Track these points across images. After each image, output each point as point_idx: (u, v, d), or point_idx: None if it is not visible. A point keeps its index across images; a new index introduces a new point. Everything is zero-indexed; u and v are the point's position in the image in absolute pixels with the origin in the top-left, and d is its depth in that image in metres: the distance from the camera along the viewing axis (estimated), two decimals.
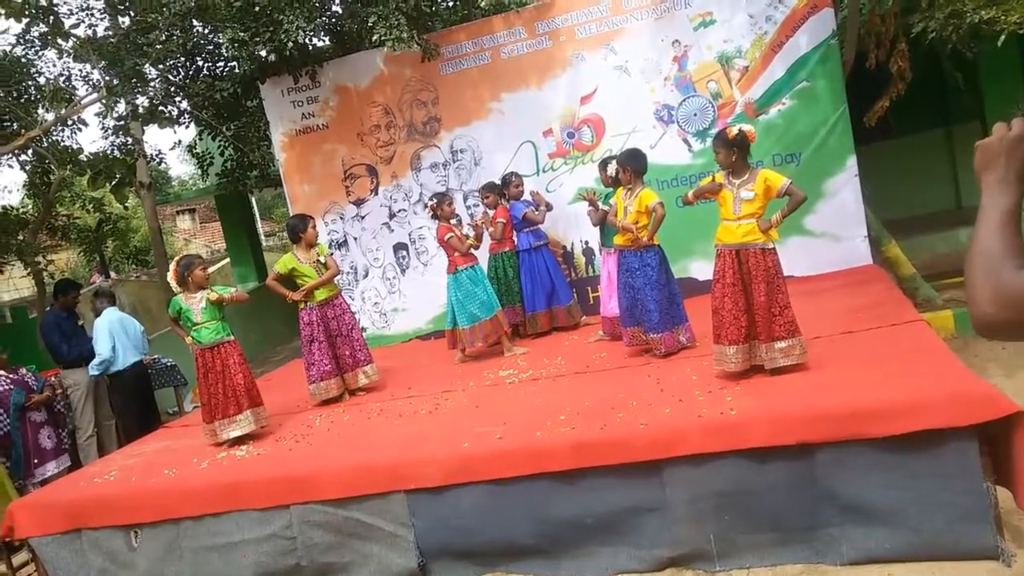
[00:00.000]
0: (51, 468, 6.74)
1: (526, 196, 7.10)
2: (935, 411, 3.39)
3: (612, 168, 5.85)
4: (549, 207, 7.10)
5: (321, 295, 6.06)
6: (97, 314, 7.29)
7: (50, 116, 9.75)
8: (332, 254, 7.03)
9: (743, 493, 3.68)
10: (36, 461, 6.65)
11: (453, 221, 6.69)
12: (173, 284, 5.39)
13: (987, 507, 3.34)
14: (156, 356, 8.95)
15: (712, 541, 3.73)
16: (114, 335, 7.14)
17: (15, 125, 9.50)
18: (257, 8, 7.10)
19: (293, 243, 6.19)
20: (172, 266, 5.40)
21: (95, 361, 7.06)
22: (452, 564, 4.19)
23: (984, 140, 1.35)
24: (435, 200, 6.58)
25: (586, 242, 7.70)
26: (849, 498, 3.54)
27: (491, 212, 6.99)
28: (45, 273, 11.44)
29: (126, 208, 14.61)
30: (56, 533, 4.82)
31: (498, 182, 7.17)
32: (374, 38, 6.98)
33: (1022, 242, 1.23)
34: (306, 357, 6.05)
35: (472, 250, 6.59)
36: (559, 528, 3.98)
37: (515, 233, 7.05)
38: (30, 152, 9.89)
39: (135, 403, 7.39)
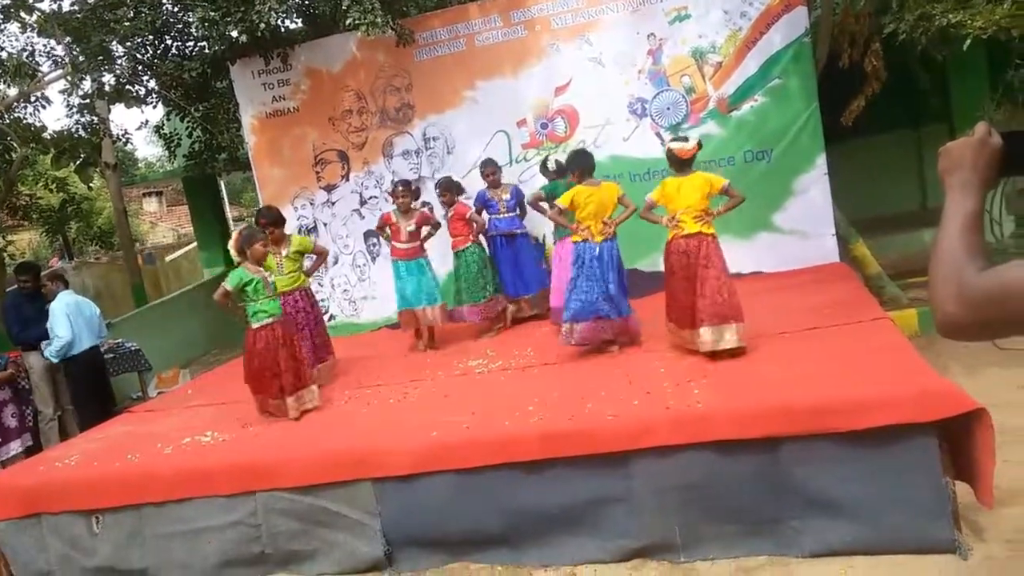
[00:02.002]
0: (15, 447, 6.64)
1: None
2: (898, 407, 3.45)
3: (552, 162, 6.57)
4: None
5: (281, 287, 5.72)
6: (51, 298, 7.09)
7: (12, 92, 9.53)
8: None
9: (708, 485, 3.72)
10: (0, 440, 6.53)
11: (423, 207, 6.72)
12: (233, 253, 5.22)
13: (946, 502, 3.41)
14: (120, 340, 8.81)
15: (677, 532, 3.77)
16: (71, 318, 6.97)
17: None
18: None
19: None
20: (234, 235, 5.27)
21: (55, 346, 6.84)
22: (418, 553, 4.19)
23: (948, 144, 1.38)
24: (445, 185, 6.85)
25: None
26: (812, 491, 3.60)
27: (448, 211, 6.89)
28: (5, 253, 11.19)
29: (90, 189, 14.35)
30: (15, 518, 4.73)
31: (455, 179, 7.15)
32: (348, 22, 6.90)
33: (984, 245, 1.26)
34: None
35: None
36: (526, 518, 3.99)
37: (487, 221, 7.02)
38: None
39: (90, 388, 7.20)
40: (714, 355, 4.67)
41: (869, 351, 4.25)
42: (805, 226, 7.13)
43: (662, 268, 7.20)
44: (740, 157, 7.22)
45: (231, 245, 5.23)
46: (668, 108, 7.41)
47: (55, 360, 6.91)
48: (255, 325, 5.15)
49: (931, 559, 3.36)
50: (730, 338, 4.66)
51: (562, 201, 5.40)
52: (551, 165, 6.66)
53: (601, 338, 5.41)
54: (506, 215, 6.96)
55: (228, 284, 5.11)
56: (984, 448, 3.33)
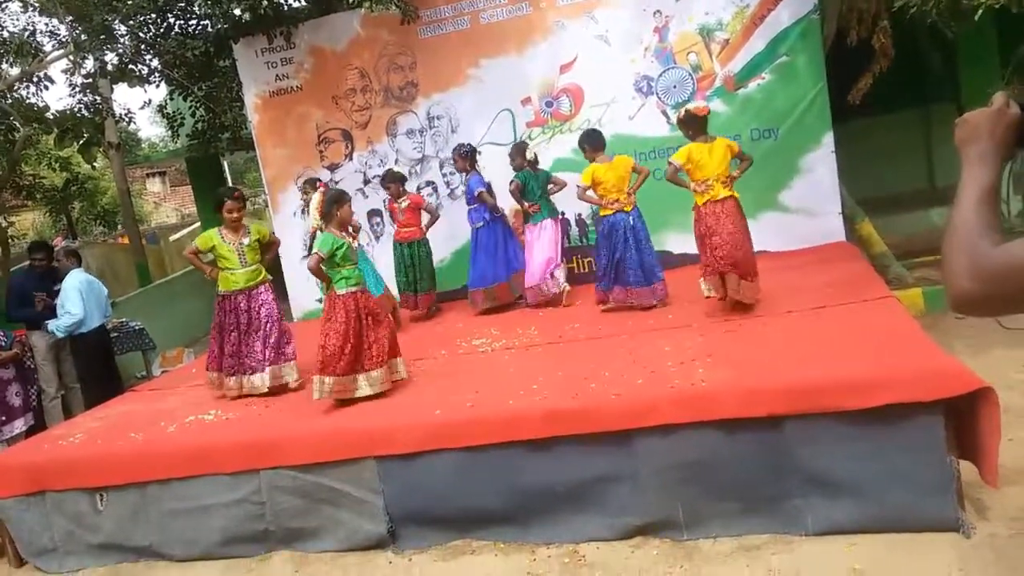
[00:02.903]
0: (19, 425, 6.66)
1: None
2: (902, 386, 3.43)
3: (531, 152, 6.72)
4: (563, 184, 6.80)
5: (242, 281, 5.41)
6: (64, 274, 7.12)
7: (14, 71, 9.48)
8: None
9: (712, 464, 3.71)
10: (4, 419, 6.56)
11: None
12: (315, 218, 4.98)
13: (950, 480, 3.39)
14: (123, 320, 8.83)
15: (680, 510, 3.76)
16: (83, 296, 7.00)
17: None
18: None
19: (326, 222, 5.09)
20: (317, 197, 5.08)
21: (64, 321, 6.85)
22: (422, 530, 4.19)
23: (966, 114, 1.35)
24: (389, 177, 6.95)
25: (579, 214, 7.64)
26: (815, 470, 3.58)
27: (401, 203, 6.95)
28: (12, 230, 11.19)
29: (94, 168, 14.31)
30: (19, 495, 4.75)
31: (397, 169, 7.17)
32: None
33: (998, 217, 1.24)
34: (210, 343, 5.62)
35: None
36: (529, 496, 3.98)
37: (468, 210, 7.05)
38: None
39: (97, 367, 7.24)
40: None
41: (874, 330, 4.22)
42: (811, 205, 7.08)
43: (668, 247, 7.23)
44: (747, 135, 7.16)
45: (314, 207, 5.03)
46: (674, 86, 7.34)
47: (61, 335, 6.93)
48: (341, 292, 4.79)
49: (934, 537, 3.34)
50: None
51: (584, 180, 5.73)
52: (529, 155, 6.69)
53: (648, 303, 5.82)
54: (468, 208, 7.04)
55: (322, 250, 4.74)
56: (989, 427, 3.31)
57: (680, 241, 7.28)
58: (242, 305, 5.41)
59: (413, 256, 7.02)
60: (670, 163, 5.23)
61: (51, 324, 6.92)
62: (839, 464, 3.55)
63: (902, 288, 6.39)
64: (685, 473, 3.74)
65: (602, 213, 5.92)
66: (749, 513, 3.69)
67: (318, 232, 5.35)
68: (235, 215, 5.36)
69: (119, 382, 7.51)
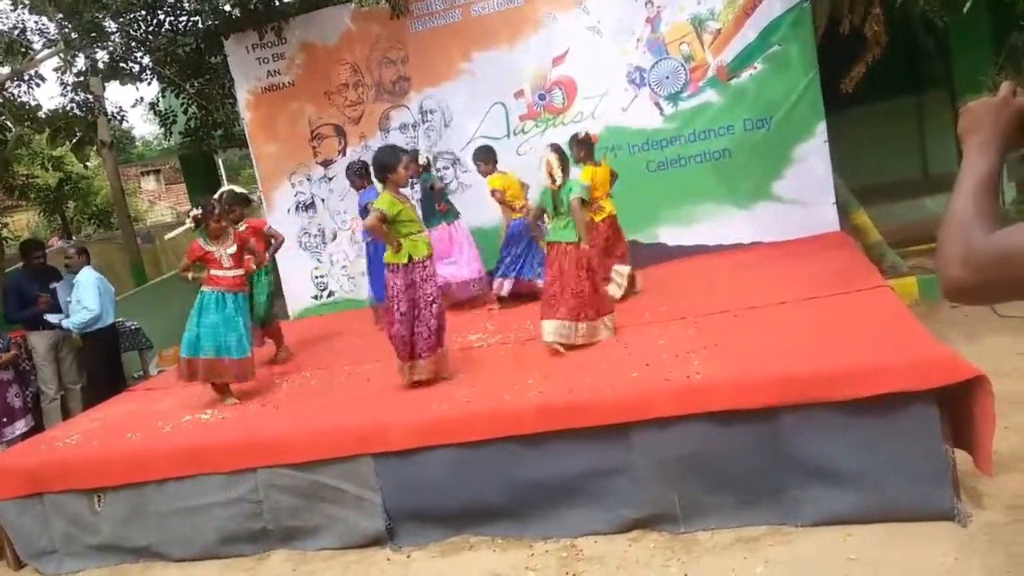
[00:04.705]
0: (20, 427, 6.66)
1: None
2: (897, 375, 3.43)
3: (424, 158, 6.95)
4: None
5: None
6: (75, 271, 7.11)
7: (5, 70, 9.43)
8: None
9: (708, 456, 3.71)
10: (4, 420, 6.56)
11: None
12: (379, 186, 4.80)
13: (946, 469, 3.40)
14: (121, 319, 8.79)
15: (677, 503, 3.77)
16: (100, 292, 7.00)
17: None
18: None
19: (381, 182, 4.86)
20: (554, 157, 4.94)
21: (82, 317, 6.84)
22: (420, 527, 4.19)
23: (970, 103, 1.34)
24: (360, 166, 6.88)
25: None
26: (811, 460, 3.59)
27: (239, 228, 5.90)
28: (5, 232, 11.16)
29: (87, 168, 14.25)
30: (17, 497, 4.75)
31: (238, 190, 6.34)
32: None
33: (996, 207, 1.22)
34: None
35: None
36: (527, 490, 3.99)
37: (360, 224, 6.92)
38: None
39: (107, 364, 7.26)
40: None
41: (869, 319, 4.22)
42: (805, 195, 7.07)
43: (662, 239, 7.24)
44: (739, 125, 7.16)
45: (374, 167, 4.79)
46: (667, 77, 7.32)
47: (74, 331, 6.91)
48: (416, 257, 4.66)
49: (931, 526, 3.35)
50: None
51: (584, 178, 5.64)
52: (422, 160, 6.91)
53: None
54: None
55: (385, 208, 4.52)
56: (984, 415, 3.31)
57: (673, 234, 7.30)
58: None
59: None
60: (583, 186, 5.30)
61: (66, 321, 6.91)
62: (835, 455, 3.55)
63: (896, 277, 6.40)
64: (682, 466, 3.75)
65: (514, 216, 6.44)
66: (746, 505, 3.70)
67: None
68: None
69: (123, 380, 7.52)
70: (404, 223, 4.66)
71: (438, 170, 7.89)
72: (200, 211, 5.27)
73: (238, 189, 6.49)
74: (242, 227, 5.89)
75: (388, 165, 4.71)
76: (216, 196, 5.71)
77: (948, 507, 3.39)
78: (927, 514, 3.40)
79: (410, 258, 4.67)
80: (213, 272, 5.27)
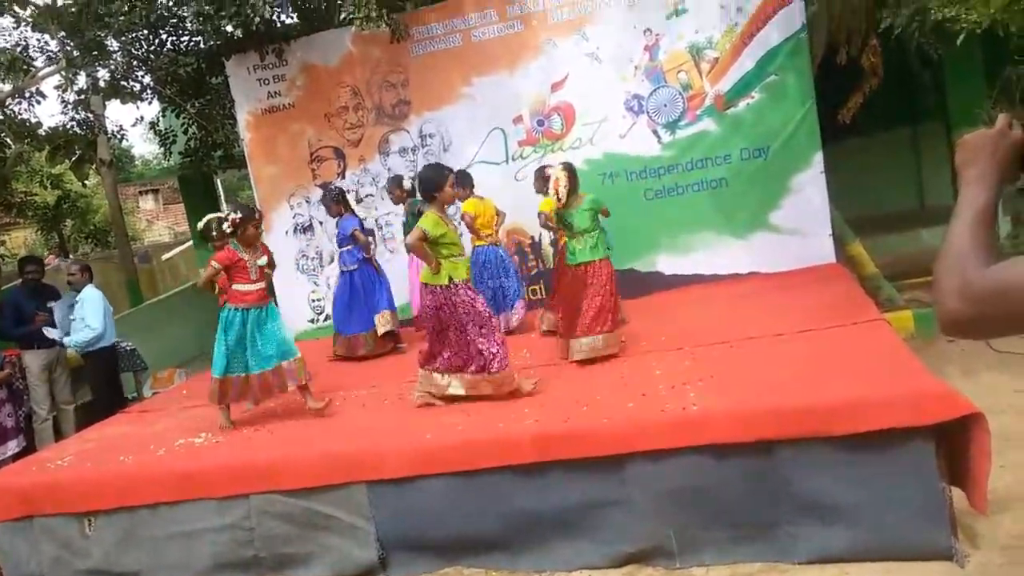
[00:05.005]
0: (11, 447, 6.62)
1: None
2: (893, 410, 3.42)
3: (408, 182, 6.96)
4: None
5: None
6: (78, 289, 7.08)
7: (6, 87, 9.46)
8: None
9: (704, 489, 3.70)
10: None
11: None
12: (433, 210, 4.67)
13: (943, 507, 3.39)
14: (116, 340, 8.76)
15: (673, 537, 3.75)
16: (105, 311, 6.98)
17: None
18: None
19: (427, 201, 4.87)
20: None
21: (84, 336, 6.80)
22: (413, 557, 4.16)
23: (967, 135, 1.34)
24: (336, 192, 6.94)
25: (532, 237, 7.65)
26: (807, 496, 3.57)
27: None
28: (1, 249, 11.14)
29: (86, 186, 14.26)
30: (6, 520, 4.70)
31: (239, 212, 5.38)
32: (342, 16, 6.86)
33: (993, 240, 1.22)
34: None
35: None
36: (521, 522, 3.96)
37: (337, 251, 7.01)
38: None
39: (110, 384, 7.23)
40: None
41: (865, 353, 4.22)
42: (802, 225, 7.08)
43: (659, 268, 7.26)
44: (737, 155, 7.19)
45: (421, 185, 4.78)
46: (665, 105, 7.36)
47: (75, 349, 6.87)
48: (456, 280, 4.65)
49: (927, 566, 3.33)
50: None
51: (546, 207, 5.80)
52: (407, 184, 6.92)
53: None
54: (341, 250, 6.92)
55: (428, 229, 4.53)
56: (979, 453, 3.30)
57: (671, 262, 7.31)
58: None
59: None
60: (541, 213, 5.86)
61: (67, 338, 6.87)
62: (831, 490, 3.54)
63: (893, 310, 6.39)
64: (677, 499, 3.73)
65: (477, 243, 6.58)
66: (741, 540, 3.68)
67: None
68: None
69: (123, 400, 7.49)
70: (446, 245, 4.67)
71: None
72: (240, 215, 5.09)
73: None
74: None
75: (435, 183, 4.71)
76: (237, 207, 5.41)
77: (946, 546, 3.37)
78: (924, 553, 3.38)
79: (450, 280, 4.66)
80: (238, 286, 5.10)
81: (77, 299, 7.02)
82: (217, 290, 5.32)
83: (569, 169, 5.36)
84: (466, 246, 6.82)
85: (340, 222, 6.86)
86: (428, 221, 4.61)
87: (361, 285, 6.81)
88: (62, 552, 4.65)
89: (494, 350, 4.65)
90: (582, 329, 5.17)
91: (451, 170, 5.03)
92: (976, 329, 1.21)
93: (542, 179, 6.00)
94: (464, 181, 6.55)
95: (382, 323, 6.77)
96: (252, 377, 5.15)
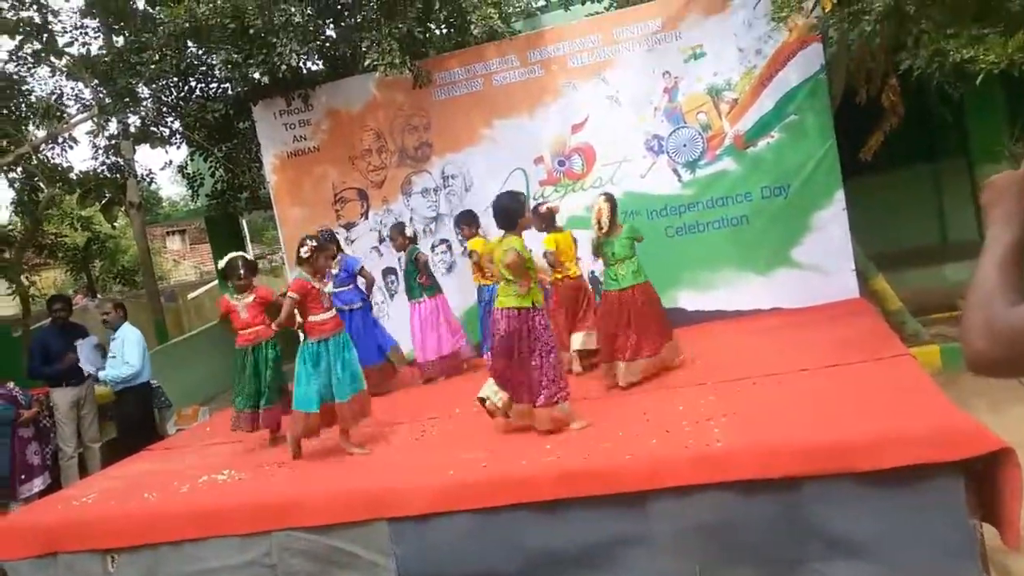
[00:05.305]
0: (38, 484, 6.69)
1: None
2: (921, 446, 3.38)
3: (411, 230, 7.12)
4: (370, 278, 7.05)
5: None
6: (114, 327, 7.15)
7: (41, 133, 9.74)
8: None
9: (728, 526, 3.65)
10: (23, 477, 6.58)
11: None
12: (517, 236, 4.71)
13: (973, 544, 3.32)
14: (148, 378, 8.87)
15: (697, 574, 3.69)
16: (143, 349, 7.06)
17: (5, 142, 9.46)
18: (251, 31, 7.14)
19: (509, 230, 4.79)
20: (606, 206, 5.36)
21: (122, 372, 6.82)
22: None
23: (994, 176, 1.36)
24: (328, 235, 7.06)
25: (592, 272, 7.64)
26: (834, 533, 3.52)
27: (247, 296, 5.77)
28: (32, 290, 11.35)
29: (115, 228, 14.54)
30: (31, 557, 4.72)
31: (314, 240, 5.34)
32: (367, 63, 7.02)
33: (1020, 279, 1.22)
34: None
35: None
36: (543, 559, 3.92)
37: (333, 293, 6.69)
38: (19, 169, 9.85)
39: (141, 421, 7.26)
40: None
41: (891, 389, 4.18)
42: (824, 261, 7.08)
43: (681, 304, 7.24)
44: (757, 193, 7.22)
45: (502, 215, 4.75)
46: (684, 145, 7.43)
47: (110, 384, 6.90)
48: (539, 305, 4.70)
49: None
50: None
51: (548, 245, 5.98)
52: (409, 232, 7.04)
53: None
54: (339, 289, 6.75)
55: (522, 250, 4.60)
56: (1010, 488, 3.25)
57: (692, 299, 7.31)
58: None
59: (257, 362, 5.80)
60: (548, 252, 5.95)
61: (102, 372, 6.92)
62: (858, 527, 3.48)
63: (918, 345, 6.34)
64: (701, 536, 3.68)
65: (482, 282, 6.58)
66: None
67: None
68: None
69: (156, 438, 7.53)
70: (531, 269, 4.76)
71: (458, 233, 7.97)
72: (315, 244, 5.06)
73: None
74: (251, 297, 5.74)
75: (517, 211, 4.79)
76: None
77: None
78: None
79: (533, 304, 4.70)
80: (314, 317, 5.05)
81: (115, 336, 7.07)
82: (299, 323, 5.18)
83: (611, 200, 5.53)
84: (468, 285, 6.99)
85: (344, 261, 6.90)
86: (519, 243, 4.66)
87: (362, 323, 6.81)
88: None
89: (559, 383, 4.65)
90: (629, 355, 5.30)
91: (522, 194, 5.15)
92: (1003, 368, 1.20)
93: (540, 217, 5.96)
94: (471, 220, 6.74)
95: (397, 357, 6.91)
96: (338, 406, 5.07)
